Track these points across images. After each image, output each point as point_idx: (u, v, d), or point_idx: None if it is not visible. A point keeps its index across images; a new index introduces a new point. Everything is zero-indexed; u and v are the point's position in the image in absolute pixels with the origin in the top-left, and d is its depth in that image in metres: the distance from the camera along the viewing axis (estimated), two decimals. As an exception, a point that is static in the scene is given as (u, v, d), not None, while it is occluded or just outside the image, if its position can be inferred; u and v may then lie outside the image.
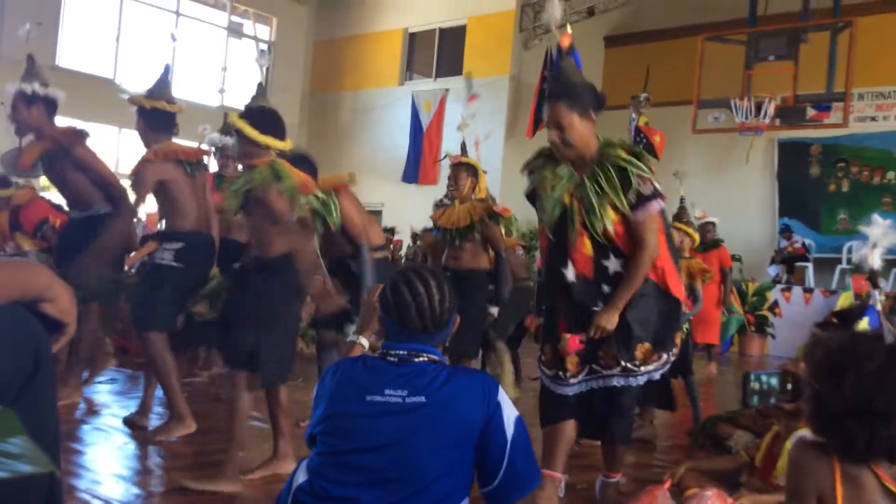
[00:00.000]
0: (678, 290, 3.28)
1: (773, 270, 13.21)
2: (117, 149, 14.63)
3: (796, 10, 11.88)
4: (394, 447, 1.91)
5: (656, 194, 3.19)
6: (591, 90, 3.32)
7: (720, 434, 4.47)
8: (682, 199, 6.25)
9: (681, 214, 6.11)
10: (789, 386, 2.10)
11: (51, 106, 4.78)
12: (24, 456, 0.72)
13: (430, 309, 2.01)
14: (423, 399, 1.94)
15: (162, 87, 4.63)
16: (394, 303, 2.03)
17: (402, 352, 2.02)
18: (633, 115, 5.44)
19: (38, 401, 1.07)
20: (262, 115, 3.72)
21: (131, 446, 4.19)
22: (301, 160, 4.57)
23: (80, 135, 4.78)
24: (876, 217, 3.42)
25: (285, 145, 3.72)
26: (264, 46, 5.82)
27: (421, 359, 2.01)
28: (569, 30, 3.58)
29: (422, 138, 15.07)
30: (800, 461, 1.78)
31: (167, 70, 4.77)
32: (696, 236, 6.14)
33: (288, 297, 3.61)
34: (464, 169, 5.53)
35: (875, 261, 3.36)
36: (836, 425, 1.73)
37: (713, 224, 8.74)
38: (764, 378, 2.50)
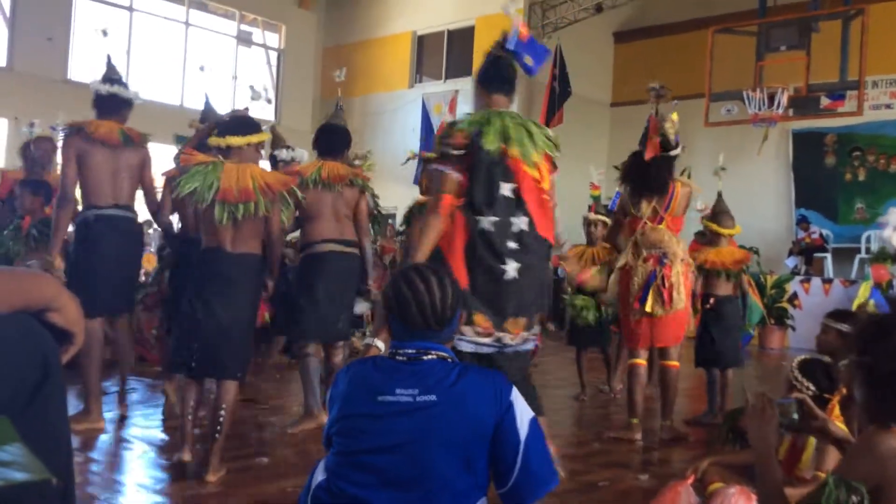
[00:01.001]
0: (459, 272, 3.24)
1: (791, 262, 13.10)
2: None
3: (806, -1, 11.79)
4: (407, 447, 1.90)
5: (441, 159, 3.37)
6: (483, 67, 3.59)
7: (742, 427, 4.42)
8: (719, 194, 6.30)
9: (715, 205, 6.19)
10: (795, 416, 2.08)
11: (98, 100, 4.86)
12: (17, 463, 0.71)
13: (431, 306, 2.01)
14: (433, 398, 1.93)
15: (205, 113, 5.30)
16: (395, 301, 2.04)
17: (410, 350, 2.02)
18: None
19: (47, 411, 1.06)
20: (224, 123, 4.12)
21: (152, 455, 4.20)
22: (325, 132, 5.14)
23: (73, 130, 4.71)
24: (893, 209, 3.47)
25: (245, 140, 3.87)
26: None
27: (430, 357, 2.01)
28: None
29: (433, 140, 15.06)
30: (872, 446, 1.78)
31: (206, 100, 5.41)
32: (717, 227, 6.04)
33: (193, 288, 3.85)
34: (424, 164, 5.68)
35: None
36: (891, 385, 1.77)
37: None
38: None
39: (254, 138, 3.88)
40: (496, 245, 3.32)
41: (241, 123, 3.95)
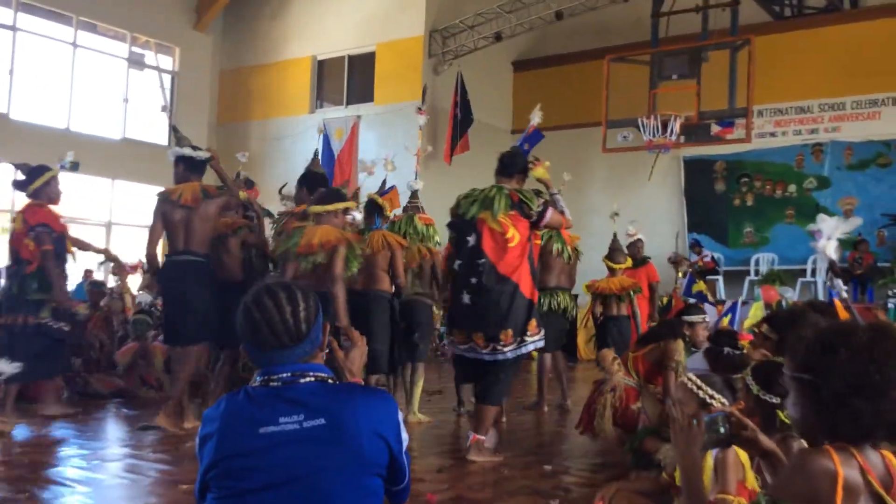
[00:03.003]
0: None
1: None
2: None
3: (696, 31, 12.24)
4: (301, 479, 1.75)
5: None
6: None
7: (648, 449, 4.42)
8: (614, 235, 7.83)
9: (611, 244, 7.72)
10: (723, 429, 2.06)
11: (181, 162, 5.92)
12: None
13: (282, 322, 1.84)
14: (322, 421, 1.79)
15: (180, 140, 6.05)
16: (246, 326, 1.87)
17: (285, 374, 1.85)
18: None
19: None
20: (317, 195, 5.45)
21: (30, 502, 3.88)
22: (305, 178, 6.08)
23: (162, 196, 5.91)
24: (821, 215, 3.53)
25: (324, 208, 5.18)
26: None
27: (307, 379, 1.85)
28: (536, 118, 6.07)
29: (333, 166, 14.88)
30: (805, 465, 1.73)
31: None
32: (610, 263, 7.60)
33: None
34: None
35: (832, 252, 3.46)
36: (838, 405, 1.73)
37: (642, 241, 9.06)
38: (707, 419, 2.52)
39: (330, 207, 5.17)
40: (459, 281, 4.96)
41: (326, 195, 5.31)
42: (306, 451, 1.76)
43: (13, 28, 14.20)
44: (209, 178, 6.22)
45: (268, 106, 16.45)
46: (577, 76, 15.21)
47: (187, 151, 5.87)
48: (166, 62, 16.83)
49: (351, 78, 15.69)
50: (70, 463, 4.69)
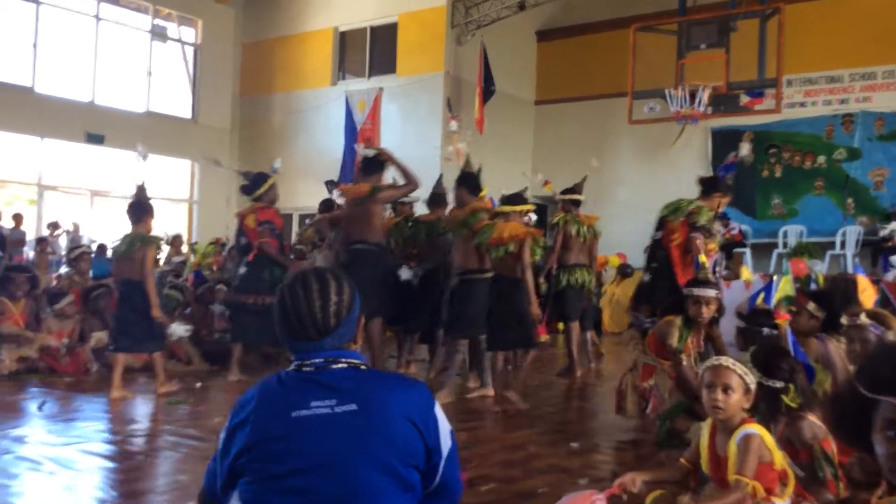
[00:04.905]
0: None
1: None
2: (40, 159, 14.02)
3: (725, -1, 12.00)
4: (332, 464, 1.74)
5: None
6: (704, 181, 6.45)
7: (679, 428, 4.37)
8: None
9: None
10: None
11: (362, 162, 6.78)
12: None
13: (310, 314, 1.83)
14: (354, 407, 1.78)
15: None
16: (277, 310, 1.88)
17: (318, 360, 1.85)
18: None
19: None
20: (504, 196, 6.41)
21: (62, 477, 3.90)
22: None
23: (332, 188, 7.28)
24: None
25: (511, 209, 6.19)
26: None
27: (340, 365, 1.85)
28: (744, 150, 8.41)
29: (356, 138, 14.82)
30: None
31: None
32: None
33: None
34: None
35: None
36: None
37: None
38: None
39: (517, 208, 6.16)
40: (645, 264, 6.41)
41: (511, 198, 6.28)
42: (338, 436, 1.75)
43: (36, 1, 14.21)
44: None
45: (290, 78, 16.37)
46: (603, 46, 14.98)
47: (361, 151, 6.94)
48: (189, 34, 16.80)
49: (373, 49, 15.57)
50: (99, 437, 4.73)
